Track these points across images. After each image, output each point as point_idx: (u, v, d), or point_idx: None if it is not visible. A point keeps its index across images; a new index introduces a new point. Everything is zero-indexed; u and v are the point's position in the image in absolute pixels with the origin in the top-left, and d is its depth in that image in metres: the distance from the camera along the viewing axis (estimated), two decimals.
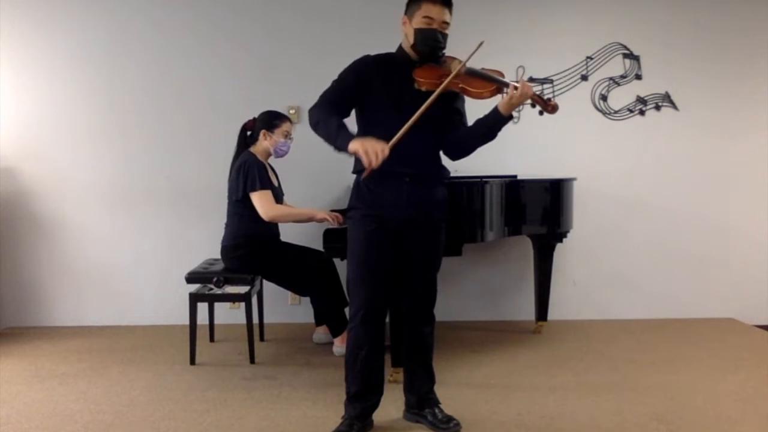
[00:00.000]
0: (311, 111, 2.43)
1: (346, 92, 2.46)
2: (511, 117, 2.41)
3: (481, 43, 2.30)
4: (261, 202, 3.40)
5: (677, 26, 4.30)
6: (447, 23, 2.42)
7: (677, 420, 2.67)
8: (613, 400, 2.89)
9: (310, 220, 3.47)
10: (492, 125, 2.44)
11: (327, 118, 2.37)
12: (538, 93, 2.45)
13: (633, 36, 4.30)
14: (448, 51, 2.49)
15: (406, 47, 2.48)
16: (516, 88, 2.35)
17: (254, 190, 3.40)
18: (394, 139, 2.24)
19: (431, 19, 2.38)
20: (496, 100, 2.43)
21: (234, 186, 3.46)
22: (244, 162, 3.45)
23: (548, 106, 2.44)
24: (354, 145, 2.23)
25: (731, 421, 2.67)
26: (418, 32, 2.40)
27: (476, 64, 2.44)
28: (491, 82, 2.43)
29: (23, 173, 4.17)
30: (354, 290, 2.48)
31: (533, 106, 2.51)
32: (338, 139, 2.31)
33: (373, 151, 2.19)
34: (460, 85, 2.40)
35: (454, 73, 2.35)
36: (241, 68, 4.19)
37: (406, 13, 2.46)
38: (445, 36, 2.43)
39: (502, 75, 2.47)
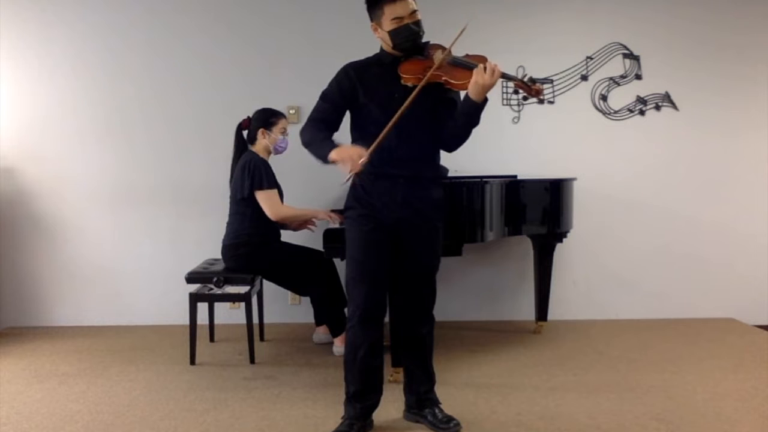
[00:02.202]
0: (301, 132, 2.48)
1: (331, 108, 2.48)
2: (485, 101, 2.35)
3: (463, 29, 2.28)
4: (269, 201, 3.40)
5: (677, 26, 4.30)
6: (416, 10, 2.39)
7: (677, 420, 2.67)
8: (613, 400, 2.89)
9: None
10: (469, 113, 2.38)
11: (314, 135, 2.43)
12: (520, 77, 2.38)
13: (633, 36, 4.29)
14: (433, 35, 2.47)
15: (387, 49, 2.46)
16: (485, 70, 2.28)
17: (261, 188, 3.40)
18: (373, 144, 2.25)
19: (400, 18, 2.36)
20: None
21: (239, 184, 3.45)
22: (249, 160, 3.45)
23: (532, 90, 2.35)
24: (332, 155, 2.28)
25: (731, 421, 2.66)
26: (393, 34, 2.38)
27: (459, 51, 2.41)
28: (473, 72, 2.34)
29: (23, 173, 4.17)
30: (352, 290, 2.47)
31: (516, 91, 2.47)
32: (323, 152, 2.34)
33: (349, 157, 2.24)
34: (444, 78, 2.36)
35: (436, 65, 2.33)
36: (244, 68, 4.20)
37: (372, 20, 2.44)
38: (419, 23, 2.40)
39: (485, 61, 2.38)
